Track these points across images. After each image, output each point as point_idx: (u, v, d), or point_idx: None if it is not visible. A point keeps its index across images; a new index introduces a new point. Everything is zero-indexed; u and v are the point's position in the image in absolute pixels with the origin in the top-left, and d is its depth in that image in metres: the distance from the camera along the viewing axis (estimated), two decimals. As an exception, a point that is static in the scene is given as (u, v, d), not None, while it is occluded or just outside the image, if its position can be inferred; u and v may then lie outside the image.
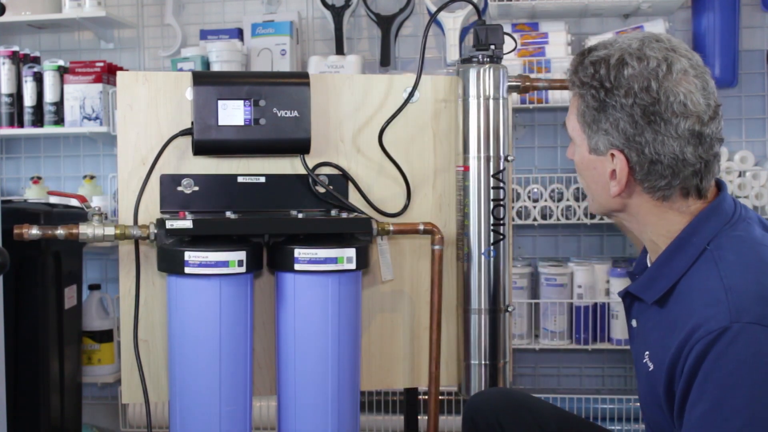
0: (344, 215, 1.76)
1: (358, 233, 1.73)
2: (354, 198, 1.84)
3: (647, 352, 1.28)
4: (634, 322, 1.37)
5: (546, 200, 2.99)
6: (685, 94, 1.21)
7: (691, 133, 1.22)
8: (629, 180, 1.26)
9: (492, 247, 1.83)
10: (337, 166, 1.84)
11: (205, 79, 1.73)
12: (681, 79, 1.22)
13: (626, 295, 1.37)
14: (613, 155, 1.26)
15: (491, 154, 1.83)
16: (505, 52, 1.86)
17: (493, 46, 1.84)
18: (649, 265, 1.37)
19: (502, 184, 1.83)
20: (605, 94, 1.24)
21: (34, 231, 1.64)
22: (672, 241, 1.27)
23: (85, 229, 1.66)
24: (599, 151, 1.28)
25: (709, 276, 1.19)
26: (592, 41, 3.03)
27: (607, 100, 1.24)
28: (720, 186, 1.30)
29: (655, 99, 1.21)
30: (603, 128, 1.25)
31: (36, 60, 3.24)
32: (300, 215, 1.70)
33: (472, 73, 1.83)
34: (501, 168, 1.83)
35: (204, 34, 3.29)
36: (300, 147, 1.76)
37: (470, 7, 2.34)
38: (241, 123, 1.70)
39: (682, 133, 1.22)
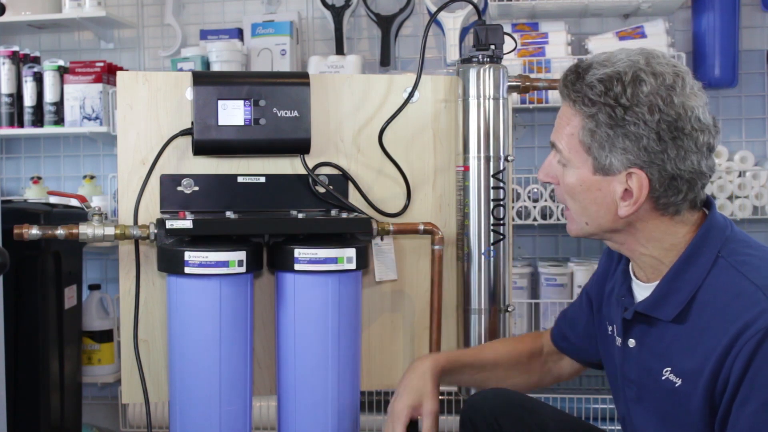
0: (344, 215, 1.76)
1: (358, 233, 1.73)
2: (354, 198, 1.84)
3: (667, 369, 1.26)
4: (631, 342, 1.34)
5: (546, 200, 2.99)
6: (697, 108, 1.23)
7: (707, 146, 1.24)
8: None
9: (492, 247, 1.83)
10: (337, 166, 1.84)
11: (205, 79, 1.73)
12: (692, 94, 1.23)
13: (634, 317, 1.32)
14: (630, 174, 1.23)
15: (491, 154, 1.83)
16: (505, 52, 1.86)
17: (493, 46, 1.84)
18: (635, 283, 1.36)
19: (502, 184, 1.83)
20: (624, 111, 1.21)
21: (34, 231, 1.64)
22: (681, 254, 1.27)
23: (85, 229, 1.66)
24: (610, 171, 1.24)
25: (734, 281, 1.20)
26: (592, 41, 3.03)
27: (627, 118, 1.21)
28: (707, 196, 1.32)
29: (679, 114, 1.21)
30: (620, 147, 1.22)
31: (36, 60, 3.24)
32: (300, 215, 1.70)
33: (472, 73, 1.83)
34: (501, 168, 1.83)
35: (204, 34, 3.28)
36: (300, 147, 1.76)
37: (470, 7, 2.34)
38: (241, 123, 1.70)
39: (701, 146, 1.23)
